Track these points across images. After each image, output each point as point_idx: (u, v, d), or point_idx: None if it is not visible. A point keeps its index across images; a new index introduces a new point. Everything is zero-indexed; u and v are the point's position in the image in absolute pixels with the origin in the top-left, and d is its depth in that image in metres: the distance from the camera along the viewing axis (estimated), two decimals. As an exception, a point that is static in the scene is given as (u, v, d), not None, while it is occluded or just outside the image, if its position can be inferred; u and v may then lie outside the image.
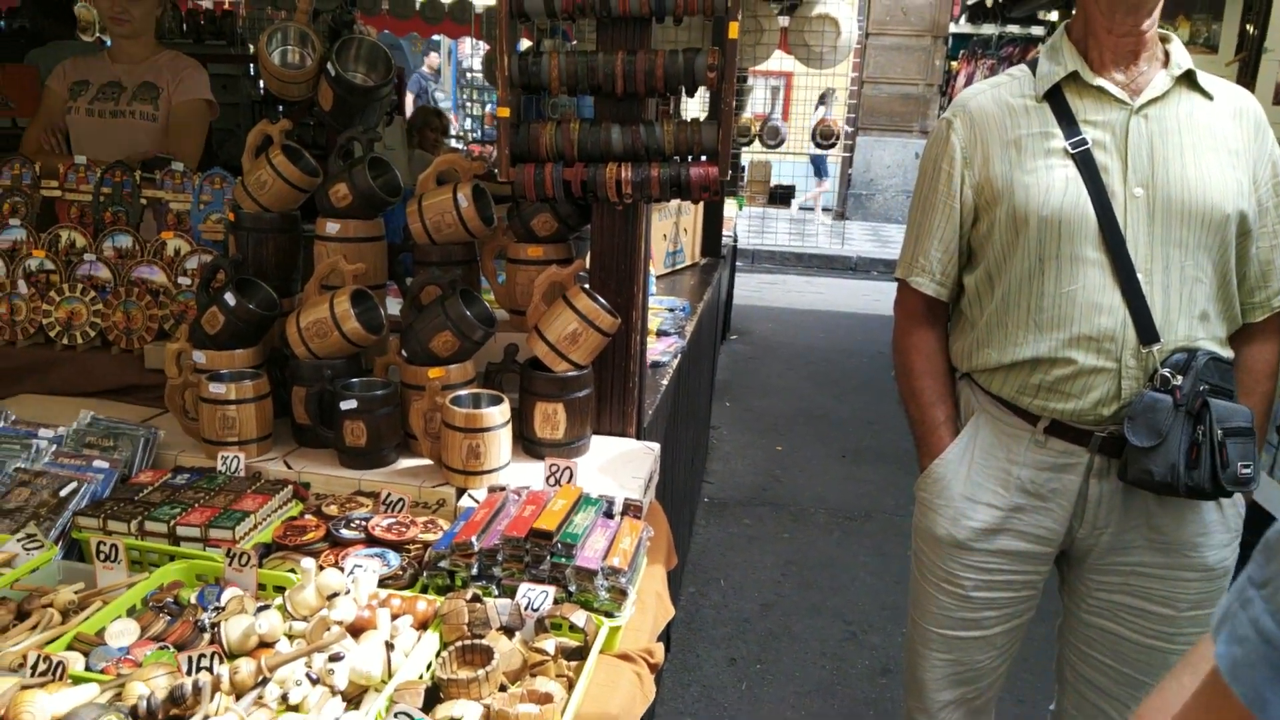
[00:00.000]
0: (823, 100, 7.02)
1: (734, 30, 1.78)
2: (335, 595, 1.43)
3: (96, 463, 1.83)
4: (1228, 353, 1.62)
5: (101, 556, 1.55)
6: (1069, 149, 1.59)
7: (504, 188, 1.99)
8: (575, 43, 5.72)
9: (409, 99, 10.75)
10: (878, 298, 9.06)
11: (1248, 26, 3.83)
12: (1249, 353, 1.66)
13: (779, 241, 11.22)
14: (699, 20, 3.88)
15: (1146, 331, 1.56)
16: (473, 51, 10.29)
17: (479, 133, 11.71)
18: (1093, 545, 1.71)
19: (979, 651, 1.83)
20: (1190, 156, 1.56)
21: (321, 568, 1.48)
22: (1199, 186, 1.55)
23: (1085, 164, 1.58)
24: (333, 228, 2.08)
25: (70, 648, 1.34)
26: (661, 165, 1.84)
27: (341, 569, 1.53)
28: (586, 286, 1.94)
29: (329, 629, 1.36)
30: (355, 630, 1.39)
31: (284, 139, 2.11)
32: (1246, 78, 3.77)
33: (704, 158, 1.86)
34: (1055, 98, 1.63)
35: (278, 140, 2.10)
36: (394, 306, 2.24)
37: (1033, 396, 1.66)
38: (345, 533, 1.66)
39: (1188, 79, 1.60)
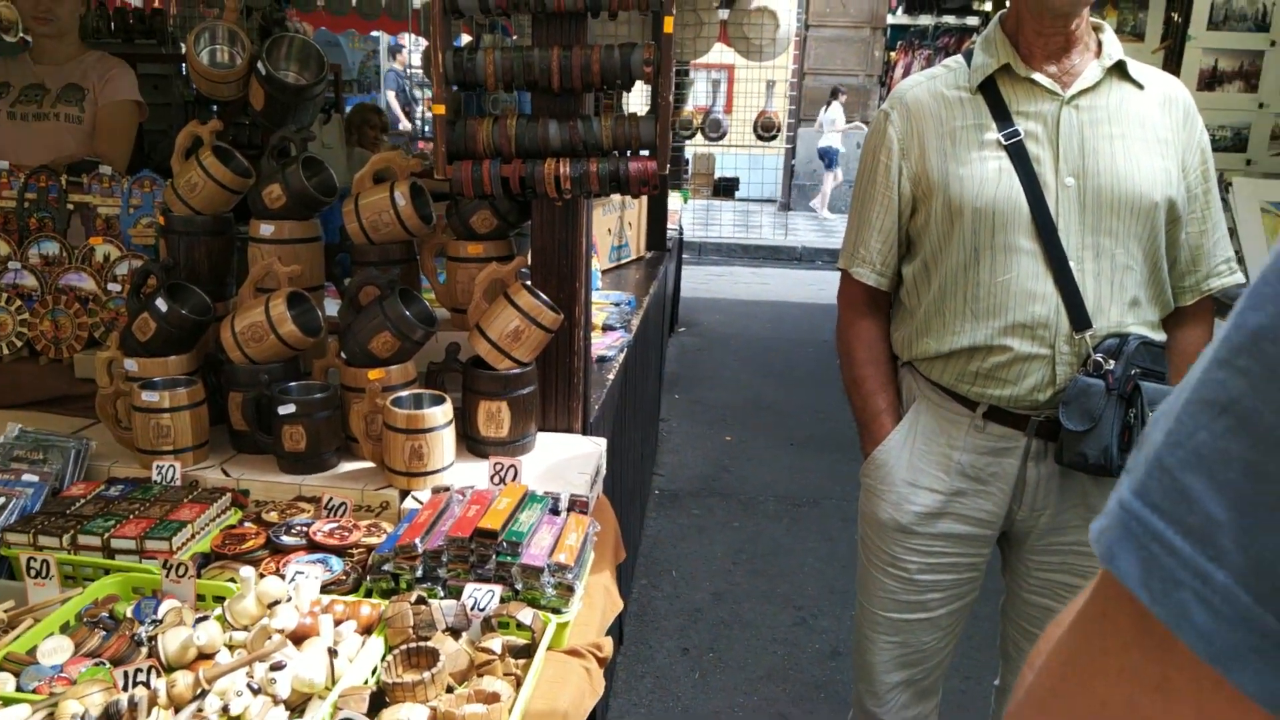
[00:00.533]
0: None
1: (669, 25, 1.78)
2: (276, 603, 1.41)
3: (26, 476, 1.77)
4: (1160, 336, 1.66)
5: (32, 573, 1.51)
6: (1002, 140, 1.62)
7: (442, 185, 1.97)
8: (515, 38, 5.68)
9: (391, 97, 10.57)
10: (823, 287, 9.14)
11: (1173, 14, 3.93)
12: (1181, 335, 1.71)
13: (724, 233, 11.27)
14: (636, 15, 3.87)
15: (1079, 318, 1.59)
16: (412, 47, 10.15)
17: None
18: (1032, 526, 1.75)
19: (925, 633, 1.86)
20: (1120, 146, 1.60)
21: (262, 575, 1.46)
22: (1128, 175, 1.59)
23: (1018, 155, 1.61)
24: (267, 229, 2.04)
25: (0, 668, 1.30)
26: (600, 160, 1.84)
27: (283, 576, 1.51)
28: (528, 283, 1.93)
29: (270, 637, 1.33)
30: (298, 638, 1.36)
31: (215, 140, 2.07)
32: (1172, 65, 3.87)
33: (643, 152, 1.86)
34: (989, 89, 1.65)
35: (208, 141, 2.06)
36: (332, 308, 2.21)
37: (971, 384, 1.69)
38: (286, 539, 1.64)
39: (1119, 69, 1.63)
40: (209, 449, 1.92)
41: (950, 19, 7.39)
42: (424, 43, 9.31)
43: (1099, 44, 1.66)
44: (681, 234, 6.49)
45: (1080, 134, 1.62)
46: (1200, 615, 0.27)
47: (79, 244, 2.34)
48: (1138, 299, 1.63)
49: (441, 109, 1.84)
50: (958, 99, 1.69)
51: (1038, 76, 1.63)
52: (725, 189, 9.94)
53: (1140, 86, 1.65)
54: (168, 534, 1.62)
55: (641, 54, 1.81)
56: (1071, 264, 1.60)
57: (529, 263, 2.02)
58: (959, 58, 1.76)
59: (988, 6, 6.60)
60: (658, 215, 4.55)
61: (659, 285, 4.24)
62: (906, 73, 6.95)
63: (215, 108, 2.35)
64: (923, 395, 1.78)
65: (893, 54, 12.57)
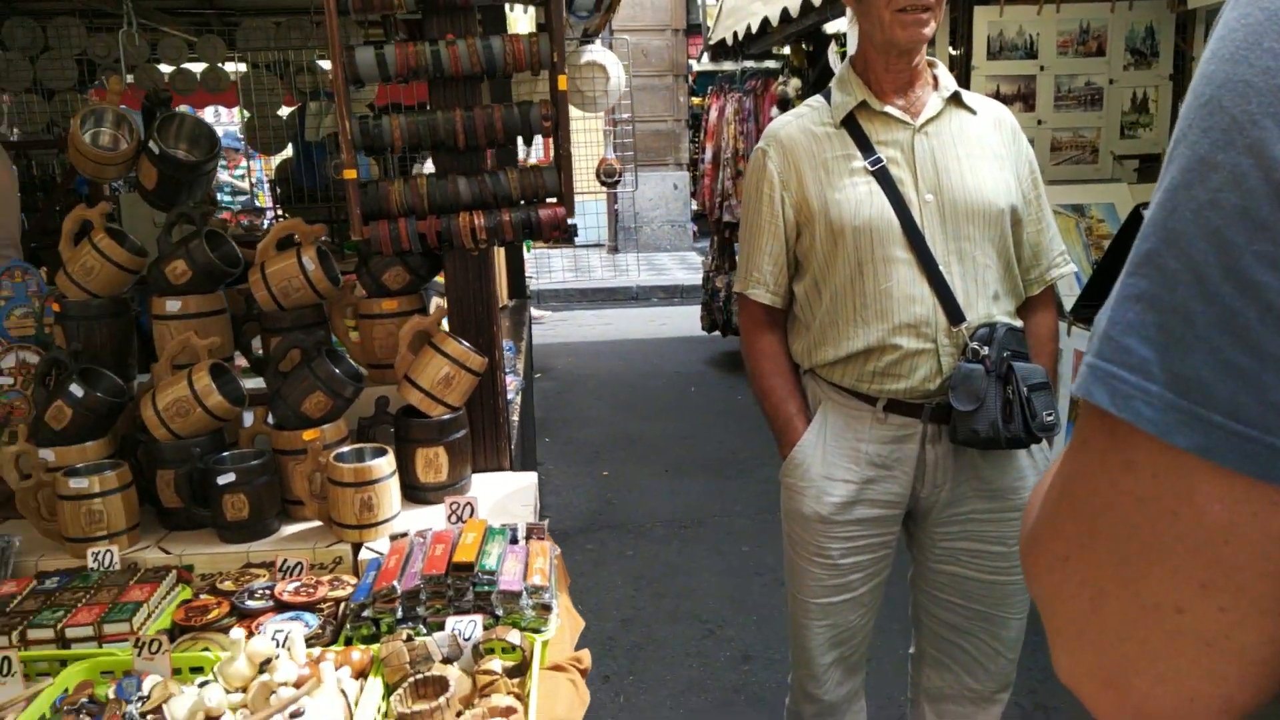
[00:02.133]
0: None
1: (563, 82, 1.94)
2: (268, 661, 1.44)
3: (-51, 582, 1.70)
4: (1019, 323, 1.94)
5: (-9, 673, 1.46)
6: (868, 167, 1.86)
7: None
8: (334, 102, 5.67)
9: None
10: (663, 322, 9.47)
11: (954, 50, 4.43)
12: (1034, 321, 1.99)
13: (560, 278, 11.48)
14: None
15: (954, 313, 1.84)
16: (230, 120, 9.86)
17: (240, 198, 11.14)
18: (934, 502, 1.98)
19: (851, 612, 2.05)
20: (967, 163, 1.87)
21: (250, 636, 1.48)
22: (976, 188, 1.86)
23: (883, 179, 1.85)
24: (173, 305, 2.04)
25: (-9, 767, 1.27)
26: (511, 210, 1.96)
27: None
28: (446, 331, 2.02)
29: (274, 692, 1.36)
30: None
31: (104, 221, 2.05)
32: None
33: (550, 199, 1.99)
34: (850, 124, 1.90)
35: (99, 224, 2.04)
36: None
37: (869, 382, 1.90)
38: (251, 603, 1.65)
39: (955, 99, 1.91)
40: (141, 530, 1.89)
41: (751, 63, 7.92)
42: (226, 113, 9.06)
43: (935, 78, 1.94)
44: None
45: (932, 156, 1.88)
46: (1147, 410, 0.45)
47: (-49, 341, 2.23)
48: (998, 293, 1.90)
49: (353, 173, 1.91)
50: (824, 134, 1.92)
51: (890, 109, 1.89)
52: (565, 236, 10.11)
53: (974, 112, 1.94)
54: (126, 615, 1.60)
55: (539, 110, 1.96)
56: (941, 268, 1.85)
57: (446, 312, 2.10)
58: (819, 98, 2.00)
59: (785, 51, 7.14)
60: (516, 263, 4.67)
61: (527, 331, 4.35)
62: (720, 114, 7.40)
63: (87, 190, 2.32)
64: (827, 397, 1.99)
65: (698, 99, 13.25)
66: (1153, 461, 0.45)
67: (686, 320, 8.80)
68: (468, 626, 1.53)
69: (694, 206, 13.02)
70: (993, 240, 1.88)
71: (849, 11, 4.69)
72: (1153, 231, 0.47)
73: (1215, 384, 0.43)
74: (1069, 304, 3.34)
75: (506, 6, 4.86)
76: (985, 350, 1.83)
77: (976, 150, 1.89)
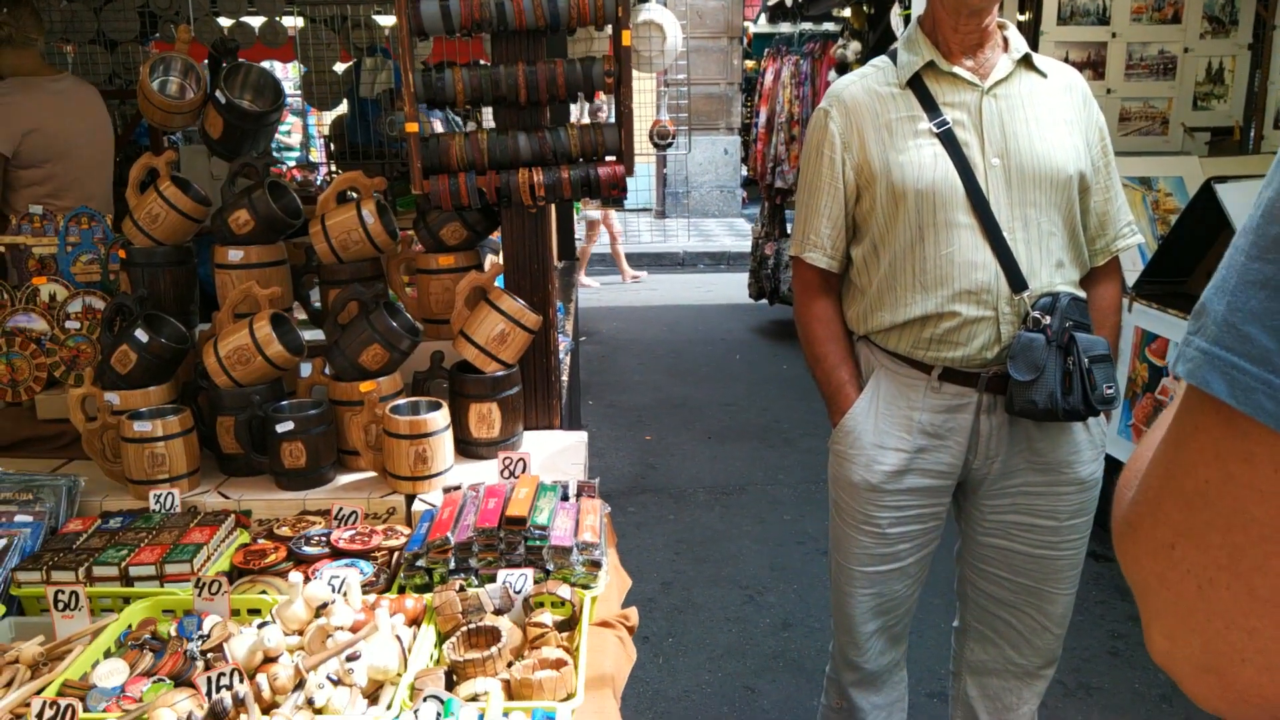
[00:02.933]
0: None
1: (627, 38, 1.91)
2: (324, 605, 1.47)
3: (19, 517, 1.75)
4: (1083, 293, 1.89)
5: (60, 606, 1.51)
6: (933, 129, 1.82)
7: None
8: (393, 59, 5.66)
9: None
10: (709, 289, 9.43)
11: (1026, 12, 4.31)
12: (1097, 292, 1.95)
13: (606, 243, 11.45)
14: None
15: (1016, 281, 1.80)
16: (285, 75, 9.93)
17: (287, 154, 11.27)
18: (985, 474, 1.95)
19: (897, 582, 2.04)
20: (1035, 128, 1.82)
21: (309, 579, 1.51)
22: (1045, 153, 1.81)
23: (949, 141, 1.81)
24: (235, 255, 2.07)
25: (60, 696, 1.32)
26: (570, 167, 1.95)
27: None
28: (502, 287, 2.02)
29: (330, 635, 1.39)
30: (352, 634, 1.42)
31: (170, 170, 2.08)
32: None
33: (609, 157, 1.98)
34: (916, 85, 1.85)
35: (164, 172, 2.07)
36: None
37: (925, 349, 1.88)
38: (308, 549, 1.68)
39: (1026, 61, 1.86)
40: (201, 475, 1.93)
41: (809, 25, 7.77)
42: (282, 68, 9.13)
43: (1005, 40, 1.89)
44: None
45: (1000, 119, 1.83)
46: (1270, 404, 0.44)
47: (21, 284, 2.29)
48: (1062, 261, 1.86)
49: (415, 127, 1.91)
50: (889, 94, 1.88)
51: (959, 70, 1.84)
52: (611, 199, 10.08)
53: (1044, 75, 1.88)
54: (187, 556, 1.64)
55: (602, 66, 1.94)
56: (1005, 234, 1.81)
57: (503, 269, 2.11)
58: (884, 58, 1.95)
59: (846, 13, 6.99)
60: (565, 225, 4.67)
61: (575, 292, 4.36)
62: (776, 78, 7.28)
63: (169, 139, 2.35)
64: (880, 364, 1.96)
65: (751, 63, 13.06)
66: (1274, 456, 0.44)
67: (733, 287, 8.76)
68: (519, 580, 1.55)
69: (744, 172, 12.93)
70: (1059, 207, 1.84)
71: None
72: None
73: None
74: (1131, 279, 3.26)
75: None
76: (1047, 320, 1.79)
77: (1046, 115, 1.84)
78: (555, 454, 2.04)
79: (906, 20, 5.21)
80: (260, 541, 1.73)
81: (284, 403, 1.93)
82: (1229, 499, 0.47)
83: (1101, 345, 1.80)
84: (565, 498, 1.78)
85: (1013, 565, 2.01)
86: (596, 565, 1.61)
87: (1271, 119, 3.99)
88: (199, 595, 1.52)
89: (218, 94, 2.03)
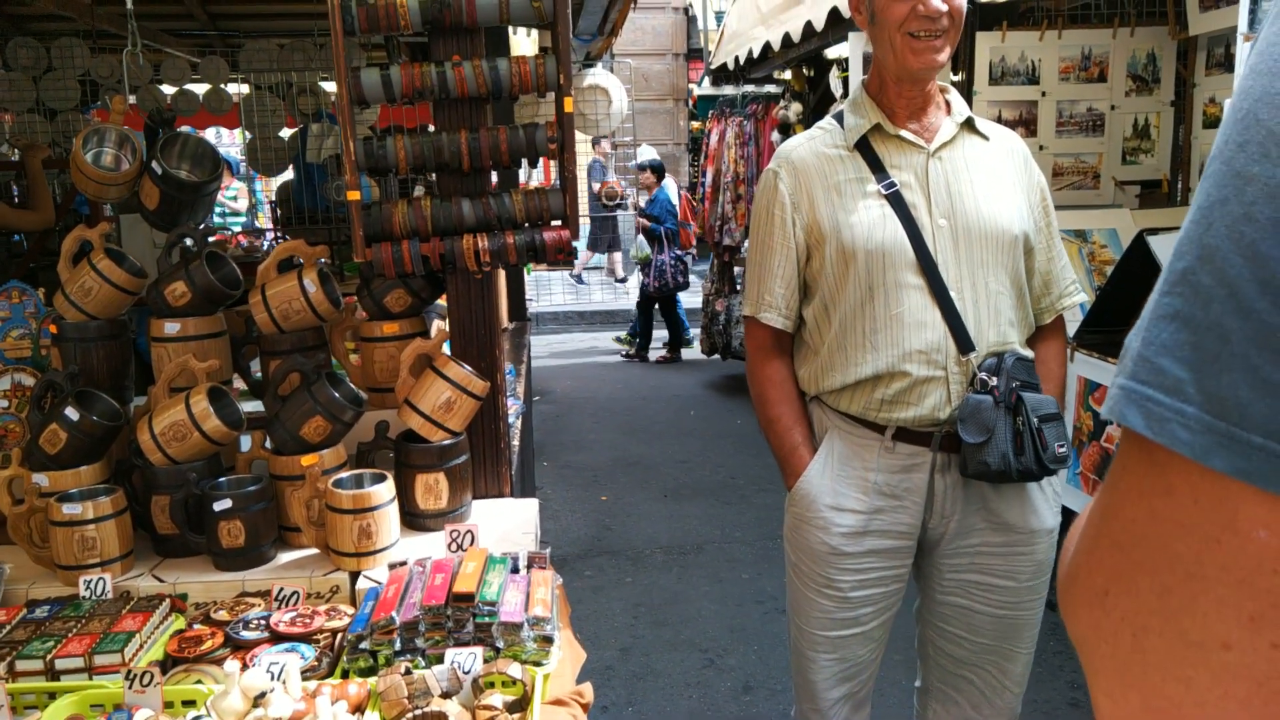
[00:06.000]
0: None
1: (569, 104, 1.92)
2: (264, 694, 1.40)
3: (-63, 610, 1.66)
4: (1029, 352, 1.91)
5: (-22, 705, 1.42)
6: (882, 190, 1.84)
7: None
8: (335, 124, 5.67)
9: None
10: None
11: (959, 75, 4.44)
12: (1043, 349, 1.97)
13: (558, 301, 11.47)
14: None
15: (963, 342, 1.82)
16: (231, 141, 9.88)
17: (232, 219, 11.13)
18: (942, 533, 1.94)
19: (860, 647, 2.01)
20: (980, 189, 1.85)
21: (245, 669, 1.44)
22: (991, 214, 1.84)
23: (897, 203, 1.83)
24: (172, 328, 2.01)
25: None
26: (516, 232, 1.94)
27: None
28: (448, 354, 1.99)
29: (269, 728, 1.32)
30: (293, 725, 1.36)
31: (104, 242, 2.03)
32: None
33: (554, 222, 1.97)
34: (864, 147, 1.88)
35: (98, 244, 2.02)
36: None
37: (878, 410, 1.87)
38: (246, 634, 1.61)
39: (969, 124, 1.90)
40: (135, 557, 1.85)
41: (752, 88, 7.95)
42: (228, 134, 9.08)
43: (947, 103, 1.92)
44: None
45: (946, 181, 1.86)
46: (1183, 433, 0.43)
47: (-55, 362, 2.21)
48: (1011, 320, 1.88)
49: (356, 194, 1.89)
50: (838, 156, 1.90)
51: (904, 133, 1.87)
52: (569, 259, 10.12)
53: (986, 138, 1.92)
54: (118, 646, 1.56)
55: (545, 133, 1.94)
56: (952, 294, 1.83)
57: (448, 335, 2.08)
58: (831, 120, 1.98)
59: (787, 75, 7.16)
60: (516, 286, 4.65)
61: (527, 354, 4.33)
62: (721, 138, 7.42)
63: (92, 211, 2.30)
64: (833, 425, 1.95)
65: (695, 124, 13.31)
66: (1192, 486, 0.43)
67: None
68: (468, 659, 1.49)
69: (693, 230, 13.07)
70: (1005, 267, 1.86)
71: (850, 35, 4.71)
72: (1187, 248, 0.45)
73: (1253, 403, 0.41)
74: (1072, 330, 3.32)
75: (509, 29, 4.89)
76: (994, 380, 1.80)
77: (990, 177, 1.87)
78: (506, 523, 2.00)
79: (844, 82, 5.34)
80: (196, 627, 1.66)
81: (222, 480, 1.87)
82: (1154, 537, 0.45)
83: (1050, 404, 1.81)
84: (515, 570, 1.73)
85: (972, 625, 1.99)
86: (549, 640, 1.57)
87: (1197, 171, 4.14)
88: (129, 688, 1.44)
89: (154, 164, 1.99)
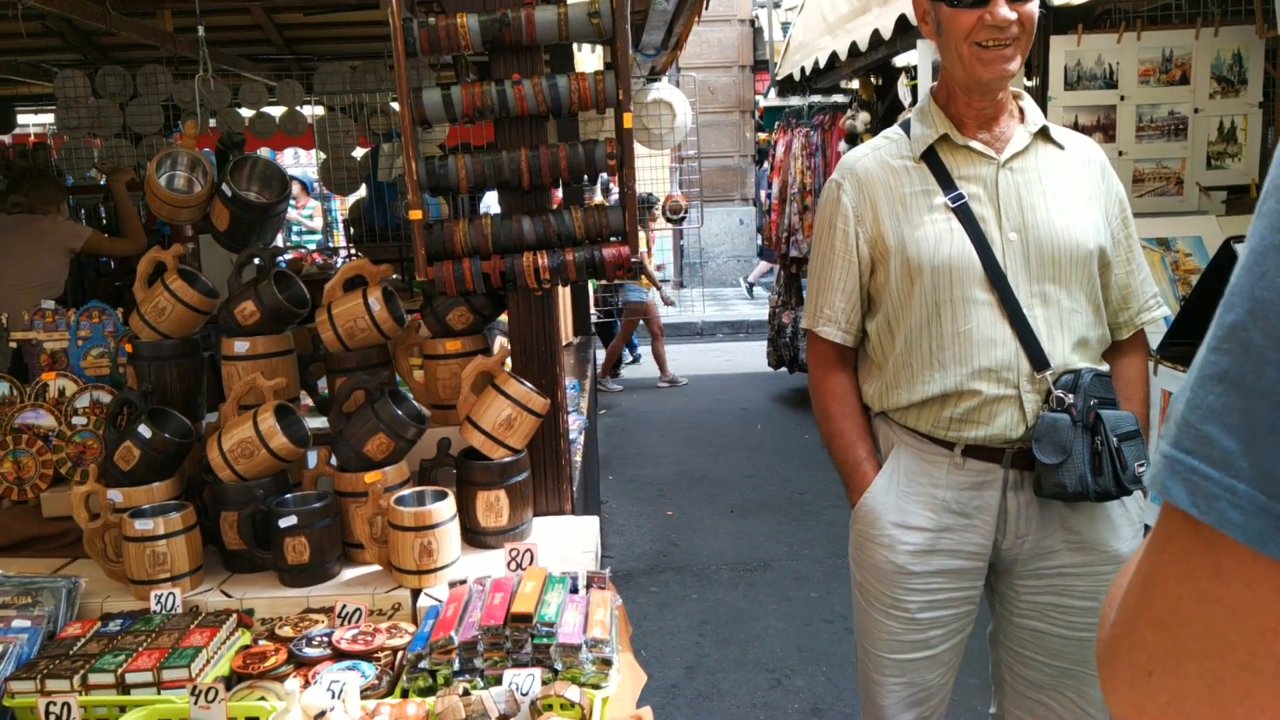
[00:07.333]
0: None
1: (628, 120, 1.91)
2: (322, 714, 1.40)
3: (16, 622, 1.71)
4: (1105, 368, 1.83)
5: (52, 717, 1.45)
6: (949, 203, 1.78)
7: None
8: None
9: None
10: (728, 357, 9.40)
11: (1033, 80, 4.32)
12: (1123, 365, 1.88)
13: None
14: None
15: (1037, 359, 1.75)
16: (308, 161, 10.16)
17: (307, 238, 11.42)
18: (1017, 554, 1.87)
19: (929, 670, 1.94)
20: (1053, 201, 1.78)
21: (306, 686, 1.45)
22: (1064, 228, 1.77)
23: (965, 216, 1.77)
24: (241, 346, 2.05)
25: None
26: (575, 250, 1.93)
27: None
28: (511, 371, 1.99)
29: (328, 747, 1.33)
30: (351, 745, 1.36)
31: (178, 263, 2.08)
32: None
33: (613, 238, 1.96)
34: (931, 158, 1.82)
35: (172, 266, 2.07)
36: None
37: (946, 428, 1.81)
38: (309, 651, 1.62)
39: (1043, 133, 1.83)
40: (204, 572, 1.89)
41: (818, 98, 7.87)
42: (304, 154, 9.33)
43: (1020, 110, 1.86)
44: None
45: (1017, 193, 1.79)
46: (1234, 514, 0.39)
47: (30, 381, 2.28)
48: (1085, 338, 1.80)
49: (418, 214, 1.91)
50: (903, 167, 1.85)
51: (974, 143, 1.81)
52: (629, 275, 10.14)
53: (1061, 147, 1.85)
54: (185, 661, 1.58)
55: (604, 149, 1.93)
56: (1024, 310, 1.76)
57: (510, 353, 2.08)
58: (897, 129, 1.93)
59: (854, 85, 7.07)
60: (581, 301, 4.66)
61: (591, 368, 4.33)
62: (788, 149, 7.34)
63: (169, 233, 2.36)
64: (900, 440, 1.90)
65: (762, 135, 13.23)
66: (1245, 572, 0.39)
67: (752, 356, 8.71)
68: (525, 680, 1.48)
69: (759, 242, 12.97)
70: (1080, 282, 1.79)
71: (919, 43, 4.63)
72: (1238, 299, 0.41)
73: None
74: (1154, 341, 3.19)
75: (575, 45, 4.91)
76: (1070, 398, 1.73)
77: (1064, 188, 1.80)
78: (563, 541, 1.98)
79: (913, 90, 5.25)
80: (261, 643, 1.67)
81: (288, 496, 1.89)
82: (1203, 620, 0.41)
83: (1130, 421, 1.73)
84: (574, 590, 1.71)
85: (1051, 649, 1.91)
86: (607, 663, 1.54)
87: (1289, 175, 3.95)
88: (195, 703, 1.46)
89: (224, 186, 2.04)
